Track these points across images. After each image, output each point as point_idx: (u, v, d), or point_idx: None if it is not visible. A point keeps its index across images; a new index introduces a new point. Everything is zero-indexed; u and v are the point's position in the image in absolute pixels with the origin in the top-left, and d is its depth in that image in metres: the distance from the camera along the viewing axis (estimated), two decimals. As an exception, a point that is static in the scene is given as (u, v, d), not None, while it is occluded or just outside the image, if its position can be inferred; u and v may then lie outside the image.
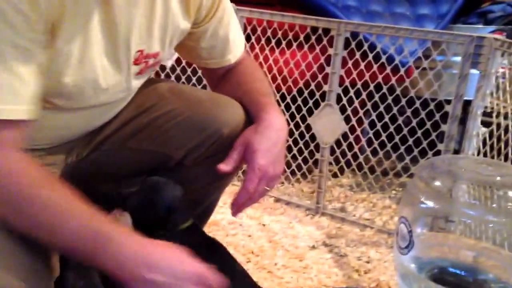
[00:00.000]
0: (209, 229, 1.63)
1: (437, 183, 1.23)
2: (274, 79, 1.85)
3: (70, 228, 0.75)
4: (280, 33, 1.80)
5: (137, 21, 0.90)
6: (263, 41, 1.84)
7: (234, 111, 1.09)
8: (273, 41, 1.83)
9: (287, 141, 1.87)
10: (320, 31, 1.73)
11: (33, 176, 0.77)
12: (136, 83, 1.02)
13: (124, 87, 0.97)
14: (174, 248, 0.80)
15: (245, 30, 1.84)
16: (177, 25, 1.00)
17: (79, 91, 0.88)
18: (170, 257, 0.78)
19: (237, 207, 1.02)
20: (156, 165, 1.10)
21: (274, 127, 1.02)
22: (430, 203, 1.22)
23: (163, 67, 1.97)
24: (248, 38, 1.85)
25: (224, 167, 0.98)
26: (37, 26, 0.75)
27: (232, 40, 1.12)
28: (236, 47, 1.14)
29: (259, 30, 1.82)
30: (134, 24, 0.90)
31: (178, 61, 1.93)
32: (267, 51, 1.85)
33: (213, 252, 1.00)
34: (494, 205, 1.18)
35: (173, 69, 1.97)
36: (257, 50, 1.86)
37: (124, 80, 0.95)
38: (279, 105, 1.86)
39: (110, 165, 1.11)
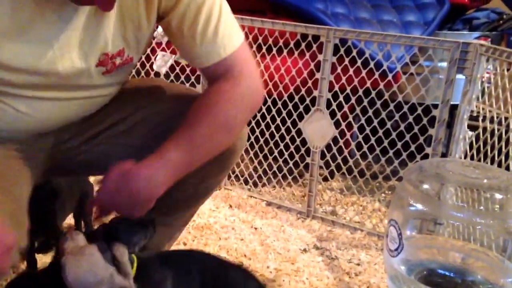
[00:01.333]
0: (202, 232, 1.65)
1: (426, 186, 1.24)
2: (265, 84, 1.87)
3: None
4: (271, 40, 1.82)
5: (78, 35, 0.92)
6: (254, 47, 1.86)
7: None
8: (264, 47, 1.85)
9: (278, 145, 1.90)
10: (310, 38, 1.75)
11: None
12: (105, 80, 1.02)
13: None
14: None
15: (236, 36, 1.86)
16: (137, 18, 0.97)
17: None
18: None
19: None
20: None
21: (134, 183, 0.95)
22: (419, 206, 1.23)
23: (157, 74, 1.99)
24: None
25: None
26: None
27: (212, 36, 1.02)
28: (220, 46, 1.03)
29: (250, 37, 1.84)
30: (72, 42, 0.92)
31: (172, 68, 1.95)
32: (258, 58, 1.87)
33: None
34: (482, 208, 1.20)
35: (167, 75, 1.99)
36: (248, 56, 1.88)
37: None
38: (270, 110, 1.89)
39: (100, 158, 1.12)
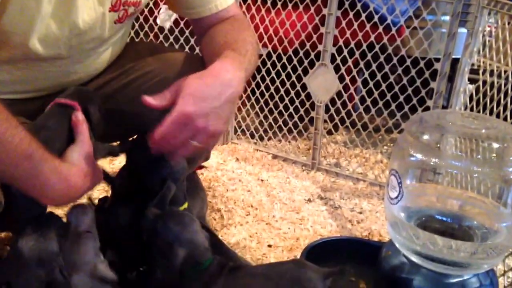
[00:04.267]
0: (210, 184, 1.70)
1: (426, 137, 1.27)
2: (270, 39, 1.89)
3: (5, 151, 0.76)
4: (275, -7, 1.83)
5: None
6: (259, 2, 1.87)
7: None
8: (269, 2, 1.86)
9: (283, 99, 1.93)
10: (314, -9, 1.76)
11: None
12: (114, 31, 1.03)
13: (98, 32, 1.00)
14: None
15: (241, -10, 1.87)
16: None
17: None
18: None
19: (152, 141, 0.88)
20: (136, 125, 1.08)
21: (220, 78, 0.89)
22: (419, 156, 1.26)
23: (161, 29, 2.00)
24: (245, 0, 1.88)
25: (149, 99, 0.88)
26: None
27: None
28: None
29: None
30: None
31: (176, 23, 1.96)
32: (263, 12, 1.88)
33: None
34: (479, 157, 1.23)
35: (171, 30, 2.00)
36: (253, 11, 1.89)
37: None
38: (275, 65, 1.91)
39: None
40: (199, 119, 0.85)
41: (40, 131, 0.86)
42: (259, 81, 1.97)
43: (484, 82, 1.49)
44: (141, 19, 1.99)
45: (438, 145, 1.28)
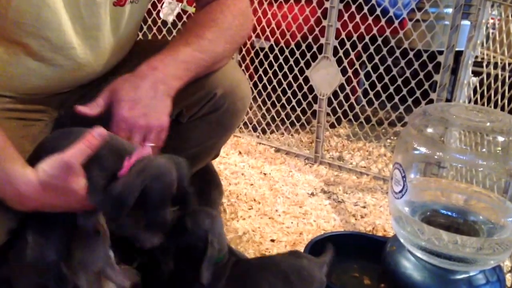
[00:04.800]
0: (213, 179, 1.70)
1: (430, 130, 1.26)
2: (272, 33, 1.89)
3: None
4: (277, -13, 1.82)
5: None
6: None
7: (228, 71, 1.09)
8: (271, -5, 1.85)
9: (285, 92, 1.92)
10: (316, -15, 1.75)
11: None
12: (115, 12, 1.00)
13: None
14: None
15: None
16: None
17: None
18: None
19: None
20: None
21: (149, 78, 0.91)
22: (422, 149, 1.26)
23: (164, 23, 1.99)
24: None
25: (84, 108, 0.88)
26: None
27: None
28: None
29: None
30: None
31: (179, 16, 1.96)
32: (265, 6, 1.87)
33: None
34: (484, 150, 1.23)
35: (174, 24, 1.99)
36: (255, 4, 1.88)
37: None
38: (277, 58, 1.90)
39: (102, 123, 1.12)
40: (140, 120, 0.88)
41: None
42: (262, 74, 1.96)
43: (488, 75, 1.48)
44: (144, 13, 1.97)
45: (442, 139, 1.27)
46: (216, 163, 1.81)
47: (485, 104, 1.47)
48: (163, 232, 0.83)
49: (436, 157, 1.26)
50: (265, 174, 1.79)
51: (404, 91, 1.69)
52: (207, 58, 1.00)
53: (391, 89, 1.72)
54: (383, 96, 1.75)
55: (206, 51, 0.99)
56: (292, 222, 1.48)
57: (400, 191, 1.24)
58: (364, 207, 1.59)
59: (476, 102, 1.51)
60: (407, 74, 1.68)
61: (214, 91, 1.07)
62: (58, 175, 0.76)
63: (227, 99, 1.08)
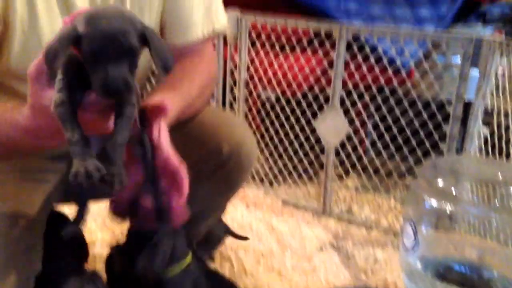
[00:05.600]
0: (219, 233, 1.66)
1: (440, 182, 1.24)
2: (279, 83, 1.88)
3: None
4: (283, 37, 1.83)
5: None
6: (267, 46, 1.87)
7: (234, 128, 1.09)
8: (277, 46, 1.85)
9: (292, 144, 1.90)
10: (322, 35, 1.76)
11: None
12: None
13: None
14: None
15: (250, 35, 1.87)
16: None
17: None
18: None
19: None
20: None
21: None
22: (434, 203, 1.23)
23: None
24: (253, 44, 1.88)
25: None
26: None
27: (185, 15, 1.05)
28: (189, 26, 1.06)
29: (263, 35, 1.85)
30: None
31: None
32: (271, 56, 1.87)
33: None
34: (497, 203, 1.19)
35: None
36: (261, 55, 1.89)
37: None
38: (284, 109, 1.89)
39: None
40: None
41: None
42: (268, 125, 1.95)
43: (499, 125, 1.45)
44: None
45: (454, 191, 1.24)
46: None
47: (497, 155, 1.44)
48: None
49: (448, 210, 1.23)
50: (272, 227, 1.74)
51: (413, 142, 1.66)
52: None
53: (400, 140, 1.69)
54: (392, 147, 1.71)
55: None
56: (301, 278, 1.43)
57: (412, 246, 1.20)
58: (375, 262, 1.54)
59: (487, 153, 1.48)
60: (416, 124, 1.65)
61: (220, 148, 1.06)
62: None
63: (232, 157, 1.06)
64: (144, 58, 1.02)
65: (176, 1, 1.04)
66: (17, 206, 0.94)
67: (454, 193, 1.24)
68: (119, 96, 0.67)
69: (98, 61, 0.65)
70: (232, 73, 1.96)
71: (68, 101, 0.69)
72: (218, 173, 1.07)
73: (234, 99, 1.98)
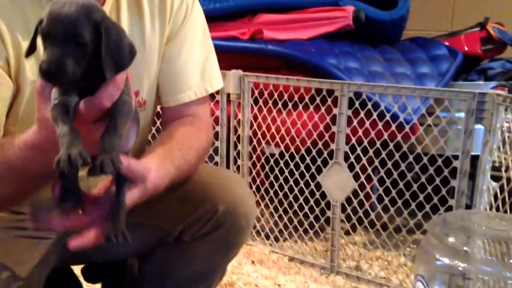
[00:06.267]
0: (225, 291, 1.63)
1: (451, 239, 1.22)
2: (282, 139, 1.89)
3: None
4: (286, 95, 1.85)
5: None
6: (270, 103, 1.89)
7: (231, 186, 1.08)
8: (280, 103, 1.87)
9: (297, 199, 1.89)
10: (324, 92, 1.77)
11: None
12: None
13: None
14: None
15: (252, 93, 1.89)
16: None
17: None
18: None
19: None
20: (156, 241, 1.09)
21: None
22: (445, 260, 1.21)
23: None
24: (256, 101, 1.90)
25: None
26: None
27: (180, 77, 1.06)
28: (184, 89, 1.06)
29: (265, 93, 1.87)
30: None
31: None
32: (274, 113, 1.89)
33: None
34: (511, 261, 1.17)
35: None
36: (265, 112, 1.90)
37: None
38: (288, 164, 1.89)
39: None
40: None
41: None
42: (273, 180, 1.94)
43: (508, 180, 1.44)
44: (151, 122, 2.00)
45: (465, 248, 1.22)
46: (229, 273, 1.75)
47: (507, 210, 1.43)
48: None
49: (460, 268, 1.21)
50: (279, 285, 1.71)
51: (421, 197, 1.65)
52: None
53: (407, 195, 1.67)
54: (399, 203, 1.69)
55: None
56: None
57: (425, 306, 1.17)
58: (386, 322, 1.50)
59: (497, 208, 1.47)
60: (423, 179, 1.64)
61: (216, 207, 1.04)
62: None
63: (228, 216, 1.05)
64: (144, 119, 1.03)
65: (171, 64, 1.06)
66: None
67: (466, 251, 1.22)
68: (53, 79, 0.66)
69: (45, 43, 0.67)
70: (235, 129, 1.97)
71: (61, 104, 0.69)
72: (215, 234, 1.06)
73: (238, 155, 1.98)
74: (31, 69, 0.90)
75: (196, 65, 1.07)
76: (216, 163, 2.00)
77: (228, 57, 1.99)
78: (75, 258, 1.13)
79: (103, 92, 0.69)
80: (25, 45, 0.86)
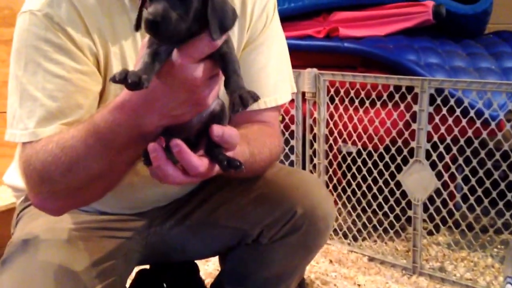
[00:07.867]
0: (304, 290, 1.63)
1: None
2: (359, 137, 1.86)
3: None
4: (363, 93, 1.82)
5: None
6: (346, 101, 1.87)
7: (309, 189, 1.08)
8: (357, 101, 1.84)
9: (376, 198, 1.86)
10: (403, 89, 1.73)
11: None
12: None
13: None
14: None
15: (328, 91, 1.88)
16: None
17: None
18: None
19: None
20: (235, 242, 1.11)
21: None
22: (539, 263, 1.16)
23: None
24: (331, 99, 1.88)
25: None
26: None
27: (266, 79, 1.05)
28: (270, 92, 1.06)
29: (342, 91, 1.85)
30: None
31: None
32: (351, 111, 1.86)
33: None
34: None
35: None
36: (341, 110, 1.88)
37: None
38: (366, 163, 1.86)
39: (190, 241, 1.13)
40: None
41: None
42: (350, 179, 1.92)
43: None
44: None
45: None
46: (307, 272, 1.74)
47: None
48: None
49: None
50: (359, 285, 1.70)
51: (509, 196, 1.58)
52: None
53: (494, 194, 1.61)
54: (486, 202, 1.63)
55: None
56: None
57: (518, 311, 1.12)
58: (474, 325, 1.45)
59: None
60: (511, 177, 1.57)
61: (294, 210, 1.05)
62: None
63: (307, 219, 1.05)
64: None
65: (245, 70, 1.03)
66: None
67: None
68: (156, 29, 0.66)
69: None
70: (311, 128, 1.96)
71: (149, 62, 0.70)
72: (293, 237, 1.06)
73: (314, 153, 1.97)
74: (117, 68, 0.93)
75: (269, 76, 1.07)
76: (292, 162, 2.01)
77: (303, 56, 1.99)
78: (157, 256, 1.17)
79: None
80: (112, 46, 0.92)
